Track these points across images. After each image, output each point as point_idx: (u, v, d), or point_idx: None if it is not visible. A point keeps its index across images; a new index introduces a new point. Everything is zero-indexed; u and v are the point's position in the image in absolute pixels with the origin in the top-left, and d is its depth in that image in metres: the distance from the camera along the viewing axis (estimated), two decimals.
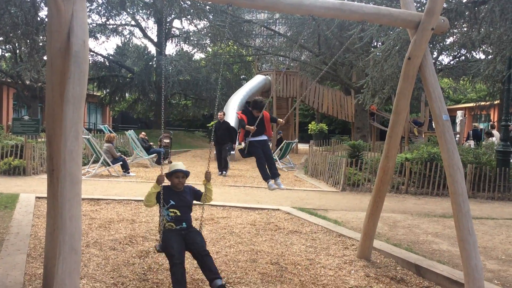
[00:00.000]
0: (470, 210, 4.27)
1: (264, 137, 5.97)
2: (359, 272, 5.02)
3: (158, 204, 4.38)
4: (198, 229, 4.51)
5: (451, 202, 4.36)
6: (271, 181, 5.85)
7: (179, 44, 28.99)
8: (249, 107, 5.98)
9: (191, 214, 4.56)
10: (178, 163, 4.53)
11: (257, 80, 22.89)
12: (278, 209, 8.08)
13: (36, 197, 8.21)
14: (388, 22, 4.71)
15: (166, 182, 4.39)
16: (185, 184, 4.52)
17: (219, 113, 14.06)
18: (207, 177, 4.56)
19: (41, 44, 8.78)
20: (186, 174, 4.46)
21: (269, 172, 5.87)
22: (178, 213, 4.35)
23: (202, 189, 4.64)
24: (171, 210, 4.33)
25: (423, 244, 6.14)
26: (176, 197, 4.39)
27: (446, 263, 5.26)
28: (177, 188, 4.44)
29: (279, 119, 5.98)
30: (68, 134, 3.04)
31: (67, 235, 2.86)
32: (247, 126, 5.79)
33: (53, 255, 3.93)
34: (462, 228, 4.23)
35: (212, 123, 34.60)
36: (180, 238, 4.24)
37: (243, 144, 5.99)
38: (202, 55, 31.88)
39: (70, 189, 2.95)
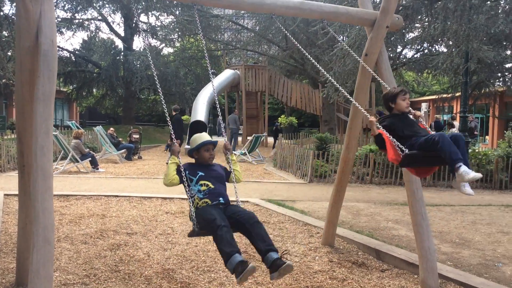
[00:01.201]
0: (423, 197, 4.59)
1: None
2: (323, 258, 5.28)
3: (182, 183, 3.68)
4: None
5: (406, 190, 4.68)
6: None
7: (146, 39, 28.79)
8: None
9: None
10: (202, 134, 3.92)
11: (226, 74, 23.00)
12: (247, 201, 8.30)
13: (5, 194, 8.19)
14: (346, 20, 4.97)
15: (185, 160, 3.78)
16: None
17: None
18: (228, 147, 3.95)
19: (4, 39, 8.71)
20: (215, 144, 3.87)
21: None
22: (211, 185, 3.66)
23: None
24: (202, 182, 3.66)
25: (383, 230, 6.47)
26: (204, 168, 3.77)
27: (404, 247, 5.59)
28: (207, 163, 3.84)
29: None
30: (39, 130, 3.15)
31: (41, 227, 2.98)
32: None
33: (26, 249, 4.05)
34: (416, 213, 4.56)
35: (182, 117, 34.42)
36: (219, 210, 3.52)
37: None
38: (171, 50, 31.73)
39: (42, 183, 3.07)
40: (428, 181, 11.00)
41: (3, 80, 20.74)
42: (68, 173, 11.95)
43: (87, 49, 31.66)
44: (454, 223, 7.01)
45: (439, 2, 9.15)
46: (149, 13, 23.24)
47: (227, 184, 3.90)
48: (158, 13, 23.45)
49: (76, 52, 30.43)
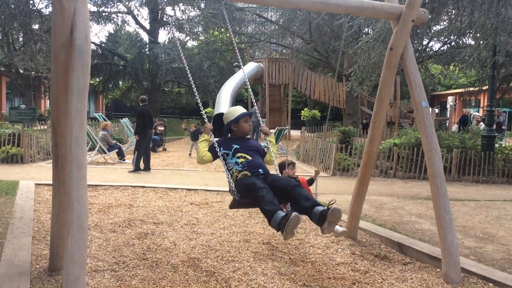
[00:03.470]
0: (447, 191, 4.60)
1: None
2: (345, 250, 5.35)
3: (216, 159, 3.73)
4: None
5: (430, 184, 4.70)
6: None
7: (171, 32, 29.04)
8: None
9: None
10: (238, 107, 3.95)
11: (249, 67, 23.06)
12: None
13: (36, 184, 8.47)
14: (371, 14, 4.98)
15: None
16: None
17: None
18: (265, 130, 3.97)
19: (36, 33, 8.98)
20: (251, 115, 3.89)
21: None
22: (249, 157, 3.65)
23: None
24: (238, 155, 3.66)
25: (406, 224, 6.49)
26: (239, 141, 3.78)
27: (427, 241, 5.60)
28: (246, 134, 3.85)
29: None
30: (73, 122, 3.30)
31: (75, 215, 3.14)
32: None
33: (59, 236, 4.23)
34: (440, 207, 4.57)
35: (205, 110, 34.52)
36: (260, 179, 3.51)
37: None
38: (195, 43, 31.91)
39: (77, 172, 3.22)
40: (453, 176, 10.91)
41: (33, 73, 21.28)
42: (96, 164, 12.25)
43: (113, 42, 32.07)
44: (478, 218, 6.97)
45: None
46: (175, 6, 23.42)
47: None
48: (184, 7, 23.61)
49: (103, 45, 30.89)
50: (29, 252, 4.72)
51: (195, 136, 15.21)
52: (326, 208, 3.28)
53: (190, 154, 14.97)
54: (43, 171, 10.37)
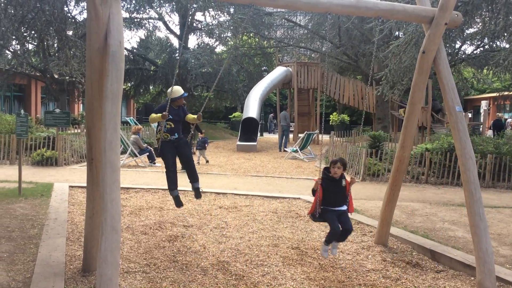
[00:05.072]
0: (481, 197, 4.48)
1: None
2: (376, 257, 5.28)
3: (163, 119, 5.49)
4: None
5: (464, 190, 4.59)
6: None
7: (201, 37, 29.32)
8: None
9: None
10: (179, 88, 5.82)
11: (278, 71, 23.06)
12: (299, 198, 8.36)
13: (70, 186, 8.68)
14: (402, 17, 4.92)
15: None
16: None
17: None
18: (199, 117, 5.73)
19: (71, 39, 9.23)
20: (185, 96, 5.82)
21: None
22: (173, 125, 5.63)
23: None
24: (168, 123, 5.57)
25: (439, 231, 6.35)
26: (174, 111, 5.66)
27: (460, 248, 5.47)
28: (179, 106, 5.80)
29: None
30: (107, 127, 3.38)
31: (109, 216, 3.21)
32: None
33: (92, 238, 4.33)
34: (474, 214, 4.46)
35: (234, 114, 34.55)
36: (174, 149, 5.70)
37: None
38: (224, 48, 32.15)
39: (111, 175, 3.30)
40: (487, 182, 10.63)
41: (67, 78, 21.85)
42: (127, 167, 12.46)
43: (145, 48, 32.62)
44: None
45: None
46: (206, 12, 23.68)
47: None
48: (214, 12, 23.84)
49: (134, 50, 31.45)
50: (63, 253, 4.84)
51: (201, 145, 14.01)
52: (198, 187, 5.93)
53: (198, 163, 13.43)
54: (77, 174, 10.61)
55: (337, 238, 4.62)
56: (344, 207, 4.62)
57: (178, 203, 5.84)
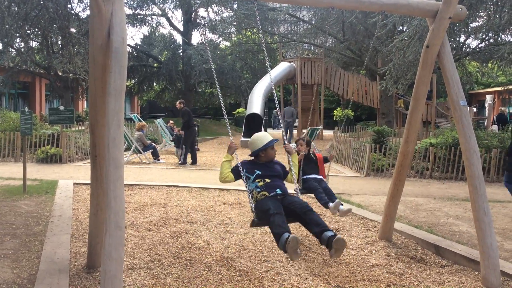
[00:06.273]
0: (486, 192, 4.47)
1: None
2: (380, 252, 5.27)
3: (238, 179, 3.98)
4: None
5: (468, 184, 4.58)
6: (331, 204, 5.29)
7: (204, 33, 29.29)
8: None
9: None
10: (264, 134, 4.17)
11: (282, 67, 23.03)
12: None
13: (74, 183, 8.71)
14: (406, 12, 4.88)
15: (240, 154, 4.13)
16: None
17: (176, 103, 13.20)
18: (288, 149, 4.11)
19: (74, 36, 9.24)
20: (275, 142, 4.13)
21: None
22: (268, 180, 3.91)
23: None
24: (258, 180, 3.92)
25: (443, 226, 6.34)
26: (262, 167, 4.01)
27: (465, 243, 5.45)
28: (270, 160, 4.09)
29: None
30: (111, 123, 3.38)
31: (112, 213, 3.21)
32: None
33: (96, 234, 4.34)
34: (478, 209, 4.45)
35: (238, 110, 34.57)
36: (276, 201, 3.77)
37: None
38: (227, 44, 32.09)
39: (114, 172, 3.29)
40: (491, 177, 10.59)
41: (71, 75, 21.90)
42: (131, 164, 12.49)
43: (148, 44, 32.62)
44: None
45: None
46: (209, 8, 23.65)
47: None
48: (218, 8, 23.81)
49: (138, 47, 31.46)
50: (68, 250, 4.86)
51: (179, 141, 13.13)
52: (333, 234, 3.46)
53: (182, 162, 12.52)
54: (81, 171, 10.65)
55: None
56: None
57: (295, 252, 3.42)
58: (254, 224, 3.87)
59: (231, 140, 4.01)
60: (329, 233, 3.46)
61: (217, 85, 4.41)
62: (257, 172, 3.91)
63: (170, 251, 5.03)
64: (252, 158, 4.15)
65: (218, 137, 23.48)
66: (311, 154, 5.97)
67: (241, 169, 3.89)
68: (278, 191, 3.85)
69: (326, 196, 5.45)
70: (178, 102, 13.22)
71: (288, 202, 3.78)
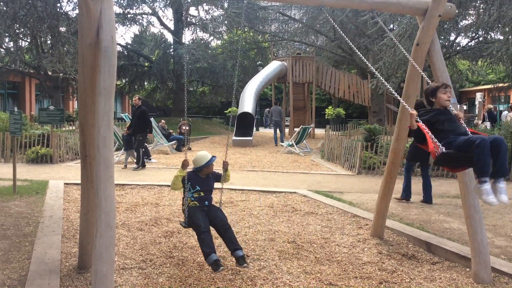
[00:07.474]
0: None
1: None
2: (372, 250, 5.29)
3: (183, 187, 4.64)
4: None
5: (458, 181, 4.61)
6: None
7: (195, 32, 29.21)
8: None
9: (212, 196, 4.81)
10: (205, 154, 4.73)
11: (273, 66, 23.04)
12: (295, 192, 8.36)
13: (65, 183, 8.65)
14: (396, 10, 4.91)
15: (190, 167, 4.66)
16: None
17: (134, 98, 12.07)
18: (225, 166, 4.86)
19: (63, 35, 9.17)
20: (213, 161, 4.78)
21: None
22: (202, 194, 4.61)
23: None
24: (195, 192, 4.59)
25: (434, 223, 6.37)
26: (201, 182, 4.64)
27: (456, 240, 5.49)
28: (206, 174, 4.71)
29: None
30: (101, 123, 3.36)
31: (103, 213, 3.19)
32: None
33: (87, 234, 4.31)
34: (469, 206, 4.48)
35: (229, 109, 34.51)
36: (204, 213, 4.51)
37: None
38: (219, 42, 32.05)
39: (104, 172, 3.28)
40: None
41: (61, 74, 21.74)
42: (122, 163, 12.41)
43: (139, 43, 32.44)
44: (509, 217, 6.79)
45: None
46: (199, 6, 23.60)
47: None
48: (208, 7, 23.77)
49: (128, 46, 31.29)
50: (58, 250, 4.82)
51: (129, 144, 11.97)
52: (242, 255, 4.25)
53: (126, 166, 11.74)
54: (72, 171, 10.58)
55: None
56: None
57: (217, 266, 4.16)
58: (183, 226, 4.61)
59: (185, 158, 4.61)
60: (240, 253, 4.26)
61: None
62: (197, 187, 4.60)
63: (162, 251, 5.02)
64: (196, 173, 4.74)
65: (210, 136, 23.44)
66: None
67: (186, 181, 4.56)
68: (206, 203, 4.63)
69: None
70: (136, 97, 11.89)
71: (213, 216, 4.54)
